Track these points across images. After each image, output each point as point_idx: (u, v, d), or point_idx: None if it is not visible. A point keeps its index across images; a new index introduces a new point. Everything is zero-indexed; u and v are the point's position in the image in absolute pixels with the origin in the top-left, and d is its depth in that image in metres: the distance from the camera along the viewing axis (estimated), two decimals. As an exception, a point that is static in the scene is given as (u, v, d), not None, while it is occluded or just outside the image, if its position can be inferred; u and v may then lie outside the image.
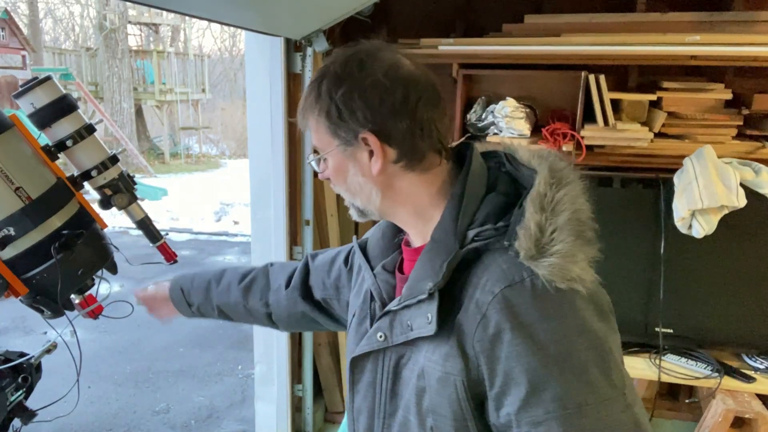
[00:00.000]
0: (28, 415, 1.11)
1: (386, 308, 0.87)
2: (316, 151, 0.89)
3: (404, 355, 0.84)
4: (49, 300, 1.05)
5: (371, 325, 0.91)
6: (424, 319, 0.79)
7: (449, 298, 0.79)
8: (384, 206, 0.87)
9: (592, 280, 0.75)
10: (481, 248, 0.78)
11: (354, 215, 0.92)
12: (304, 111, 0.87)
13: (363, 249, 1.04)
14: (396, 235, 0.98)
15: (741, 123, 2.18)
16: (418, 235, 0.89)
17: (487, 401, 0.76)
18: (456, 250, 0.78)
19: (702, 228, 1.90)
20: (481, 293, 0.75)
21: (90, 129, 1.15)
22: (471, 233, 0.79)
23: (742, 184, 1.92)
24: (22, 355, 1.12)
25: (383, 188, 0.85)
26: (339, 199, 2.77)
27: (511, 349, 0.72)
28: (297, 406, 2.68)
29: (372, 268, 0.98)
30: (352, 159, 0.84)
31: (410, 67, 0.85)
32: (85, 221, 1.11)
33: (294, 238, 2.50)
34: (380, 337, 0.86)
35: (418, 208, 0.86)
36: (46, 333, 4.11)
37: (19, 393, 1.09)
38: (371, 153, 0.82)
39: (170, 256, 1.27)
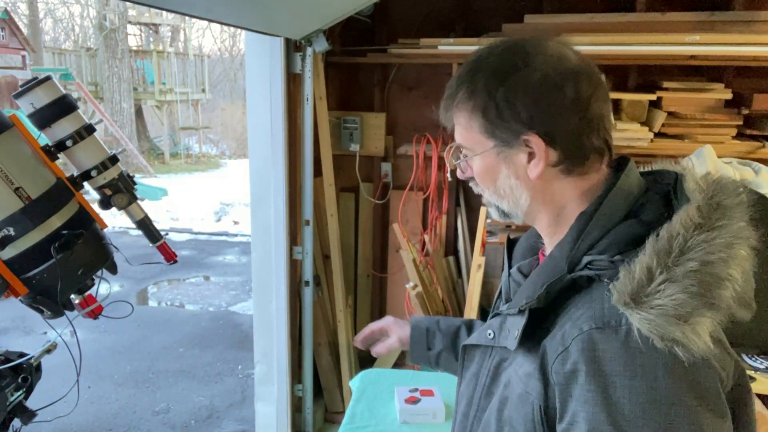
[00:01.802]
0: (28, 415, 1.11)
1: (499, 309, 0.85)
2: (458, 149, 0.83)
3: (507, 358, 0.81)
4: (49, 300, 1.05)
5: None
6: (513, 333, 0.76)
7: (548, 318, 0.74)
8: (530, 209, 0.81)
9: (703, 350, 0.63)
10: (593, 277, 0.71)
11: (494, 214, 0.86)
12: (454, 106, 0.80)
13: (510, 246, 0.99)
14: (539, 238, 0.91)
15: (741, 123, 2.19)
16: (550, 244, 0.83)
17: None
18: (563, 273, 0.73)
19: (702, 228, 1.90)
20: (571, 326, 0.70)
21: (90, 129, 1.14)
22: (586, 259, 0.72)
23: (742, 184, 1.91)
24: (22, 355, 1.12)
25: (534, 192, 0.79)
26: (339, 199, 2.77)
27: (582, 394, 0.66)
28: (297, 406, 2.68)
29: (510, 266, 0.94)
30: (506, 161, 0.78)
31: (578, 59, 0.77)
32: (85, 221, 1.11)
33: (294, 238, 2.50)
34: (489, 334, 0.84)
35: (559, 215, 0.80)
36: (46, 333, 4.11)
37: (19, 393, 1.08)
38: (530, 155, 0.76)
39: (170, 256, 1.27)
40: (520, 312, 0.75)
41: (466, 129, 0.80)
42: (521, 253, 0.96)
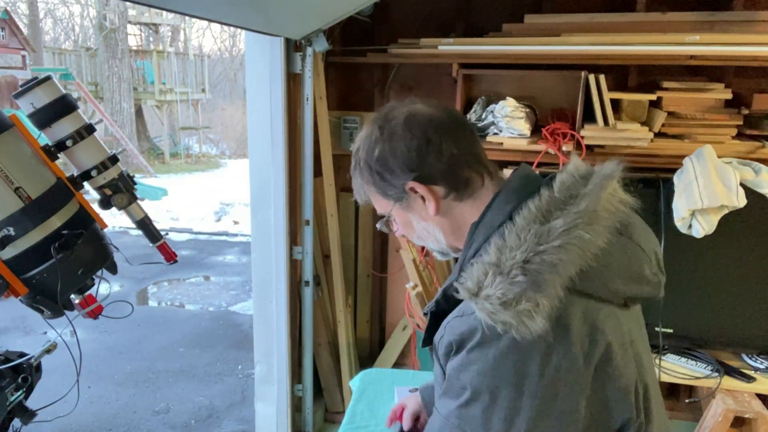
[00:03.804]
0: (28, 415, 1.11)
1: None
2: (382, 217, 0.99)
3: None
4: (49, 300, 1.06)
5: None
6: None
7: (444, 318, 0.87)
8: (450, 241, 0.94)
9: (537, 331, 0.72)
10: None
11: (438, 257, 1.02)
12: (359, 189, 0.97)
13: None
14: None
15: (741, 123, 2.18)
16: None
17: None
18: (454, 278, 0.84)
19: (702, 228, 1.90)
20: (448, 319, 0.84)
21: (90, 129, 1.15)
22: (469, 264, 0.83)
23: (742, 184, 1.91)
24: (22, 355, 1.12)
25: (443, 224, 0.93)
26: (339, 199, 2.77)
27: (450, 364, 0.81)
28: (297, 406, 2.68)
29: None
30: (410, 210, 0.93)
31: (426, 111, 0.91)
32: (85, 221, 1.11)
33: (294, 238, 2.50)
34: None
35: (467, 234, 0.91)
36: (46, 333, 4.11)
37: (19, 393, 1.09)
38: (422, 198, 0.90)
39: (170, 256, 1.27)
40: (425, 314, 0.92)
41: (374, 200, 0.97)
42: None
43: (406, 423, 1.22)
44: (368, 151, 0.91)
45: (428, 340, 0.91)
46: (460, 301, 0.82)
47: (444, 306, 0.88)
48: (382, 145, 0.90)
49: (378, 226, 1.01)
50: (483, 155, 0.93)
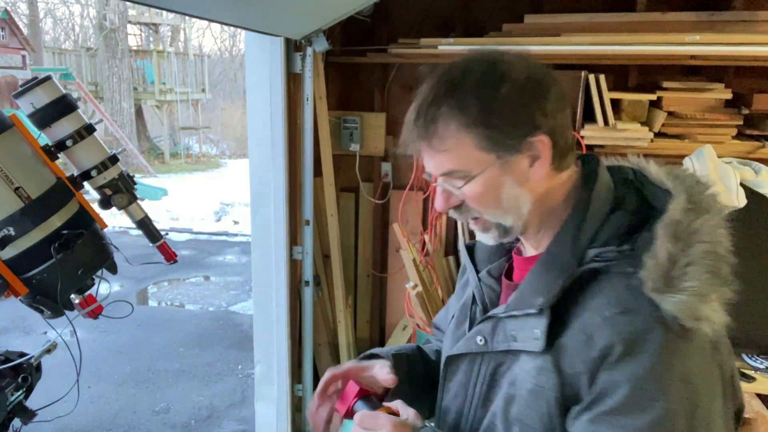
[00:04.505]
0: (28, 415, 1.11)
1: (489, 313, 0.83)
2: (438, 178, 0.79)
3: (503, 363, 0.80)
4: (49, 300, 1.05)
5: (470, 327, 0.87)
6: (530, 334, 0.75)
7: (556, 314, 0.74)
8: (532, 216, 0.79)
9: (722, 323, 0.69)
10: (600, 269, 0.73)
11: (492, 239, 0.82)
12: (435, 132, 0.75)
13: (471, 251, 0.97)
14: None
15: (741, 123, 2.19)
16: (532, 243, 0.84)
17: (571, 413, 0.73)
18: (573, 268, 0.74)
19: (702, 228, 1.90)
20: (590, 315, 0.71)
21: (90, 129, 1.15)
22: (591, 252, 0.74)
23: (742, 184, 1.91)
24: (22, 355, 1.12)
25: (539, 196, 0.78)
26: (339, 199, 2.77)
27: (612, 373, 0.69)
28: (297, 406, 2.68)
29: (477, 271, 0.93)
30: (508, 171, 0.75)
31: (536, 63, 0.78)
32: (85, 221, 1.11)
33: (294, 238, 2.50)
34: (480, 340, 0.82)
35: (549, 214, 0.80)
36: (46, 333, 4.11)
37: (19, 393, 1.08)
38: (531, 159, 0.75)
39: (170, 256, 1.27)
40: (539, 312, 0.74)
41: (457, 150, 0.75)
42: (487, 256, 0.94)
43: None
44: (489, 88, 0.73)
45: (541, 341, 0.74)
46: (573, 293, 0.74)
47: (559, 299, 0.75)
48: (513, 86, 0.72)
49: (450, 188, 0.79)
50: None
